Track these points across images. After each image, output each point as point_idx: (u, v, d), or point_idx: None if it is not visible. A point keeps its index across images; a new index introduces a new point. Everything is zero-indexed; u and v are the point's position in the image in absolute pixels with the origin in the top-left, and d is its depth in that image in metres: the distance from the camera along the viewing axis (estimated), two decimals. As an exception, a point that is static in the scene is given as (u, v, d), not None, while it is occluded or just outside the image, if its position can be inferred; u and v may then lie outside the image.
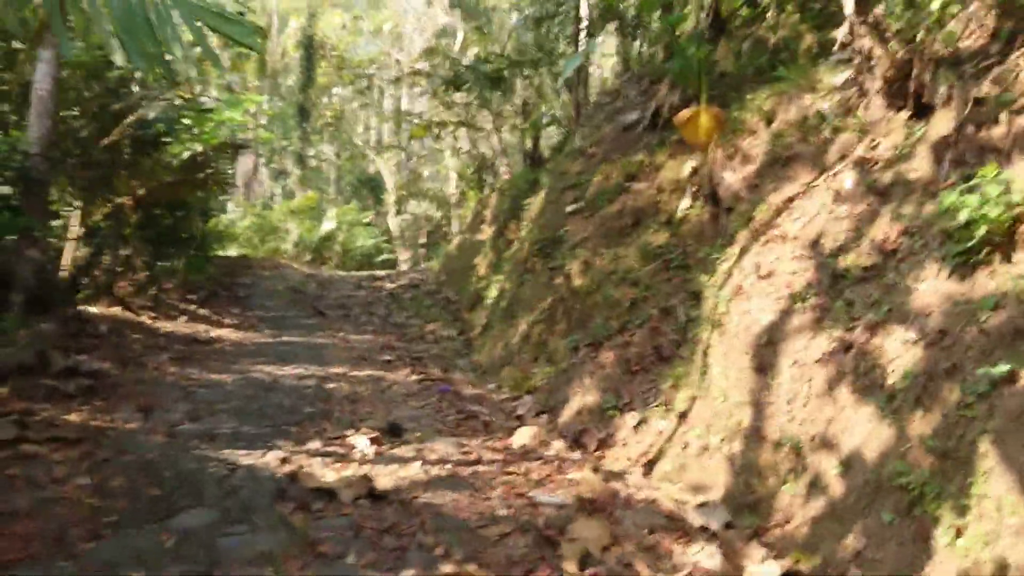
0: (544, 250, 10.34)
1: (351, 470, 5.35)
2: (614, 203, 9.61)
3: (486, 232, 17.81)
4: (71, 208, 11.19)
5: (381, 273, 21.90)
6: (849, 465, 4.62)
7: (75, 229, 10.97)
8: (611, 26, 14.45)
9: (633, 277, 8.58)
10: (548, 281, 9.74)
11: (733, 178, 7.82)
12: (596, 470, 5.68)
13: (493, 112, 18.35)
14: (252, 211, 25.44)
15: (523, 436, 6.51)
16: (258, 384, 7.56)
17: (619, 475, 5.99)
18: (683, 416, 6.37)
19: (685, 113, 8.66)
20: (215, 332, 11.40)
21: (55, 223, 11.49)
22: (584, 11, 13.39)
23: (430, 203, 28.73)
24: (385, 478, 5.21)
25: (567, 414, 7.48)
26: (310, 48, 26.88)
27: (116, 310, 10.79)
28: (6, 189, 7.95)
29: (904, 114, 6.07)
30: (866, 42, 6.07)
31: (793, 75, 8.06)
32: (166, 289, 14.35)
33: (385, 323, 14.29)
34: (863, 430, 4.64)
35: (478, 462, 5.81)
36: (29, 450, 4.92)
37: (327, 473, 5.20)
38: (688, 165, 9.07)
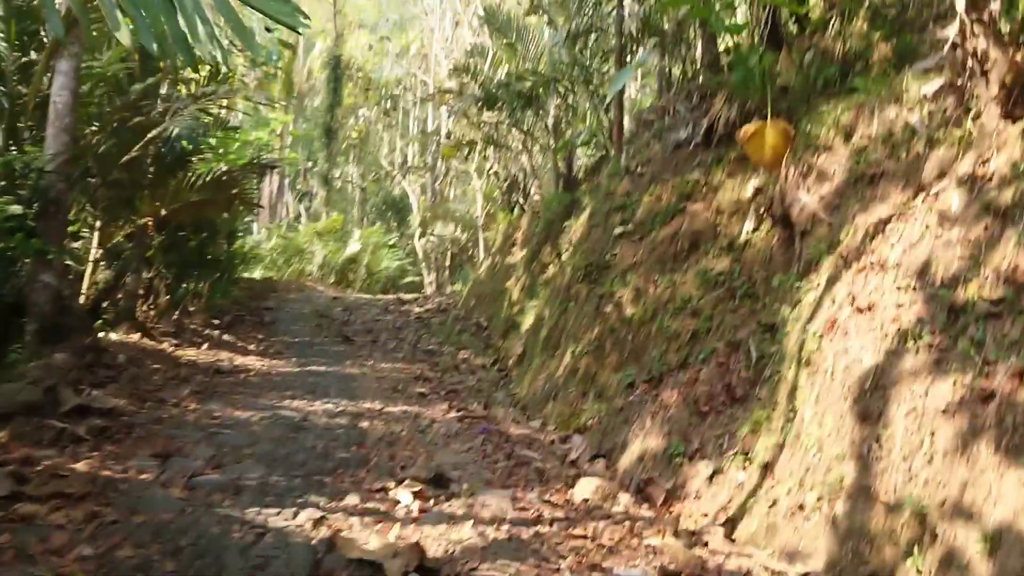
0: (590, 276, 9.58)
1: (395, 532, 4.59)
2: (667, 226, 8.84)
3: (518, 255, 17.09)
4: (91, 229, 10.58)
5: (408, 296, 21.23)
6: (997, 542, 3.80)
7: (95, 251, 10.34)
8: (650, 42, 13.74)
9: (693, 307, 7.80)
10: (595, 309, 8.97)
11: (809, 198, 7.04)
12: (677, 534, 4.87)
13: (524, 132, 17.67)
14: (277, 233, 24.90)
15: (585, 489, 5.72)
16: (287, 423, 6.82)
17: (697, 536, 5.20)
18: (767, 468, 5.56)
19: (748, 128, 7.92)
20: (239, 360, 10.71)
21: (74, 245, 10.89)
22: (625, 26, 12.68)
23: (456, 225, 28.06)
24: (435, 544, 4.44)
25: (627, 460, 6.68)
26: (337, 69, 26.41)
27: (136, 337, 10.13)
28: (19, 209, 7.29)
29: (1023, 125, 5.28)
30: (980, 43, 5.29)
31: (872, 86, 7.28)
32: (189, 313, 13.73)
33: (415, 350, 13.56)
34: (1015, 499, 3.83)
35: (538, 521, 5.03)
36: (26, 510, 4.19)
37: (369, 537, 4.43)
38: (750, 185, 8.30)
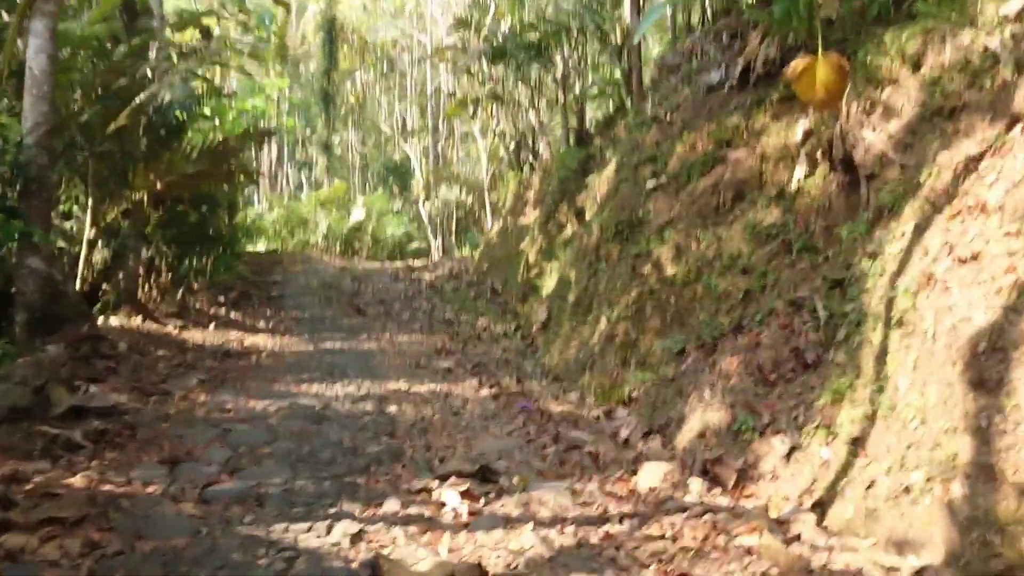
0: (621, 234, 8.81)
1: (446, 543, 3.90)
2: (706, 176, 8.05)
3: (531, 216, 16.29)
4: (83, 207, 9.81)
5: (417, 263, 20.47)
6: None
7: (89, 231, 9.58)
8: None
9: (743, 263, 7.07)
10: (631, 270, 8.22)
11: (875, 137, 6.25)
12: (772, 530, 4.17)
13: (532, 86, 16.77)
14: (279, 203, 24.06)
15: (650, 475, 5.03)
16: (307, 413, 6.12)
17: (785, 525, 4.51)
18: (856, 443, 4.85)
19: (797, 65, 7.03)
20: (249, 340, 10.00)
21: (66, 225, 10.13)
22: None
23: (461, 188, 27.18)
24: (495, 556, 3.75)
25: (686, 437, 5.98)
26: (331, 31, 25.33)
27: (138, 321, 9.41)
28: (-3, 188, 6.55)
29: None
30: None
31: (939, 10, 6.44)
32: (194, 292, 13.00)
33: (431, 320, 12.85)
34: None
35: (605, 519, 4.34)
36: (13, 542, 3.49)
37: (416, 553, 3.74)
38: (799, 127, 7.50)
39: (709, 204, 7.83)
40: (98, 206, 9.56)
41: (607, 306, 8.40)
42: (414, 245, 27.65)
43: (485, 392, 7.26)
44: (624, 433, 6.25)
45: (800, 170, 7.27)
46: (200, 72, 10.86)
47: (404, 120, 31.50)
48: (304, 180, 30.11)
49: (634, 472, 5.17)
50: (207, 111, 14.06)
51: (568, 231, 12.99)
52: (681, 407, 6.27)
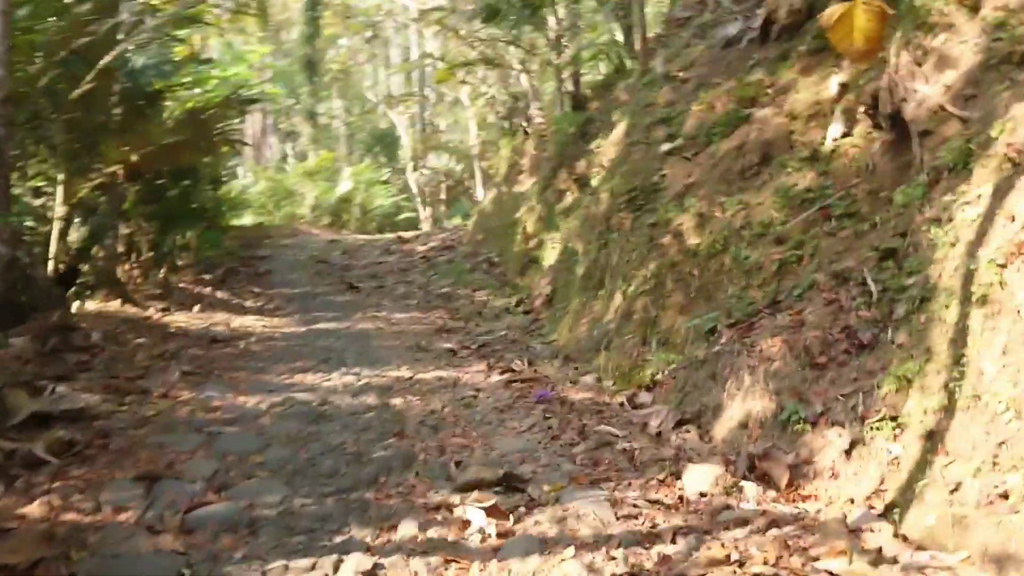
0: (634, 202, 8.09)
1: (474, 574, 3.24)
2: (728, 138, 7.34)
3: (526, 183, 15.53)
4: (52, 182, 9.00)
5: (408, 235, 19.68)
6: None
7: (60, 208, 8.77)
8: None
9: (775, 232, 6.38)
10: (649, 241, 7.51)
11: (929, 90, 5.54)
12: (862, 551, 3.53)
13: (525, 48, 15.89)
14: (265, 175, 23.15)
15: (697, 478, 4.37)
16: (303, 411, 5.42)
17: (855, 533, 3.87)
18: (931, 438, 4.20)
19: (832, 12, 6.24)
20: (237, 322, 9.27)
21: (36, 203, 9.32)
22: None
23: (450, 156, 26.31)
24: (537, 595, 3.08)
25: (725, 427, 5.33)
26: (313, -5, 24.23)
27: (117, 304, 8.65)
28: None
29: None
30: None
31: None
32: (178, 270, 12.24)
33: (428, 294, 12.14)
34: None
35: (656, 536, 3.69)
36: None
37: (443, 593, 3.07)
38: (833, 81, 6.79)
39: (733, 168, 7.12)
40: (70, 180, 8.74)
41: (622, 280, 7.71)
42: (403, 216, 26.82)
43: (496, 378, 6.58)
44: (655, 423, 5.59)
45: (836, 129, 6.56)
46: (177, 35, 9.97)
47: (389, 88, 30.45)
48: (289, 151, 29.12)
49: (677, 474, 4.50)
50: (187, 79, 13.18)
51: (568, 199, 12.26)
52: (717, 393, 5.60)
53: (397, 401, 5.76)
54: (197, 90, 14.38)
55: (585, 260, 8.92)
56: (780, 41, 7.64)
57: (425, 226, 24.85)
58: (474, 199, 24.11)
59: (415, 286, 12.91)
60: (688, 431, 5.43)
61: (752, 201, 6.74)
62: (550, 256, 11.54)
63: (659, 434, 5.36)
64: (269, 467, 4.31)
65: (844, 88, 6.65)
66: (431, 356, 7.56)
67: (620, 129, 9.23)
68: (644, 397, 6.30)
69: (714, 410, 5.53)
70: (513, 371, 6.84)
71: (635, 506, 4.05)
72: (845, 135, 6.48)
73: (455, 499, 3.97)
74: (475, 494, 3.98)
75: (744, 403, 5.32)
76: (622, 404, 6.07)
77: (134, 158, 9.05)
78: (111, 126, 9.07)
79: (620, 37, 13.27)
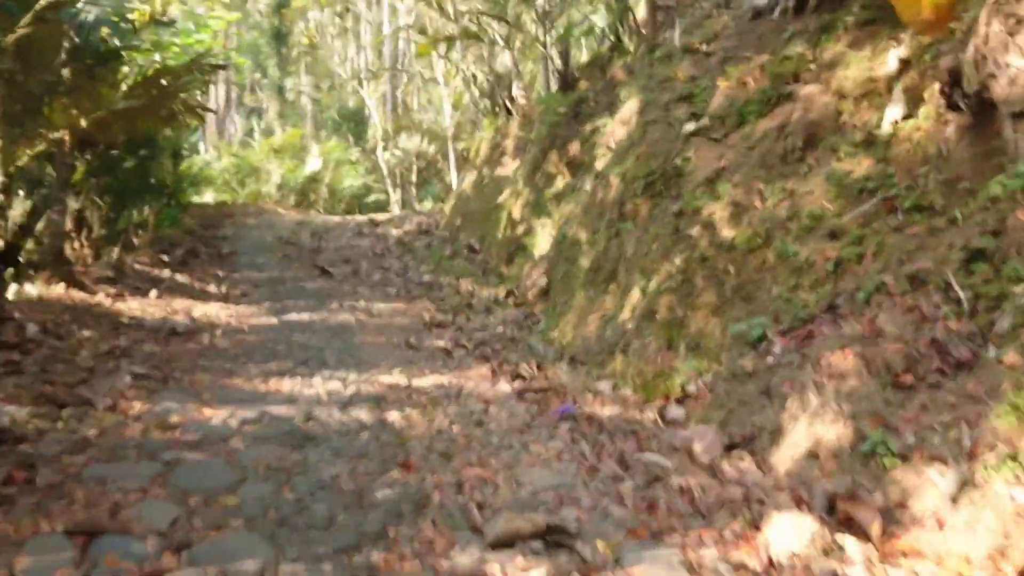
0: (652, 187, 7.18)
1: None
2: (766, 117, 6.46)
3: (510, 166, 14.55)
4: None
5: (380, 217, 18.57)
6: None
7: (-2, 180, 7.57)
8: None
9: (829, 225, 5.50)
10: (674, 232, 6.60)
11: (1028, 64, 4.68)
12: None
13: (510, 22, 14.87)
14: (229, 151, 21.80)
15: (784, 533, 3.47)
16: (283, 431, 4.40)
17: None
18: (1074, 485, 3.36)
19: (899, -25, 5.48)
20: (199, 310, 8.18)
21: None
22: None
23: (422, 137, 25.12)
24: None
25: (787, 455, 4.44)
26: (282, -37, 22.85)
27: (62, 289, 7.51)
28: None
29: None
30: None
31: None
32: (134, 248, 11.07)
33: (408, 282, 11.13)
34: None
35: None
36: None
37: None
38: (892, 56, 5.92)
39: (773, 151, 6.23)
40: (8, 147, 7.53)
41: (640, 274, 6.79)
42: (373, 197, 25.65)
43: (505, 387, 5.63)
44: (700, 447, 4.69)
45: (895, 110, 5.69)
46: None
47: (359, 65, 29.09)
48: (255, 127, 27.67)
49: (755, 523, 3.60)
50: (147, 45, 11.98)
51: (560, 183, 11.33)
52: (773, 414, 4.72)
53: (395, 417, 4.77)
54: (158, 56, 13.17)
55: (591, 250, 7.98)
56: (820, 11, 6.76)
57: (395, 208, 23.74)
58: (447, 181, 23.03)
59: (392, 272, 11.88)
60: (742, 459, 4.54)
61: (798, 189, 5.86)
62: (542, 244, 10.61)
63: (712, 467, 4.45)
64: (245, 513, 3.30)
65: (905, 64, 5.79)
66: (423, 356, 6.57)
67: (630, 107, 8.28)
68: (675, 411, 5.41)
69: (771, 434, 4.64)
70: (522, 377, 5.89)
71: (716, 572, 3.14)
72: (907, 117, 5.62)
73: (490, 560, 3.02)
74: (516, 558, 3.03)
75: (811, 428, 4.44)
76: (656, 422, 5.16)
77: (83, 123, 7.88)
78: (58, 87, 7.88)
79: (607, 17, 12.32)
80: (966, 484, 3.73)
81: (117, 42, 9.11)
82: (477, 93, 18.20)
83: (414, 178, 26.67)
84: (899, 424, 4.14)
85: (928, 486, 3.85)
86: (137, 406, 4.58)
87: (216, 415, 4.55)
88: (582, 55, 16.73)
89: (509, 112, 16.06)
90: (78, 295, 7.48)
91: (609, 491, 3.86)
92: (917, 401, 4.19)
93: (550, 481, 3.90)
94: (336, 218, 19.19)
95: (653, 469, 4.15)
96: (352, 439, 4.31)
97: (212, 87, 22.24)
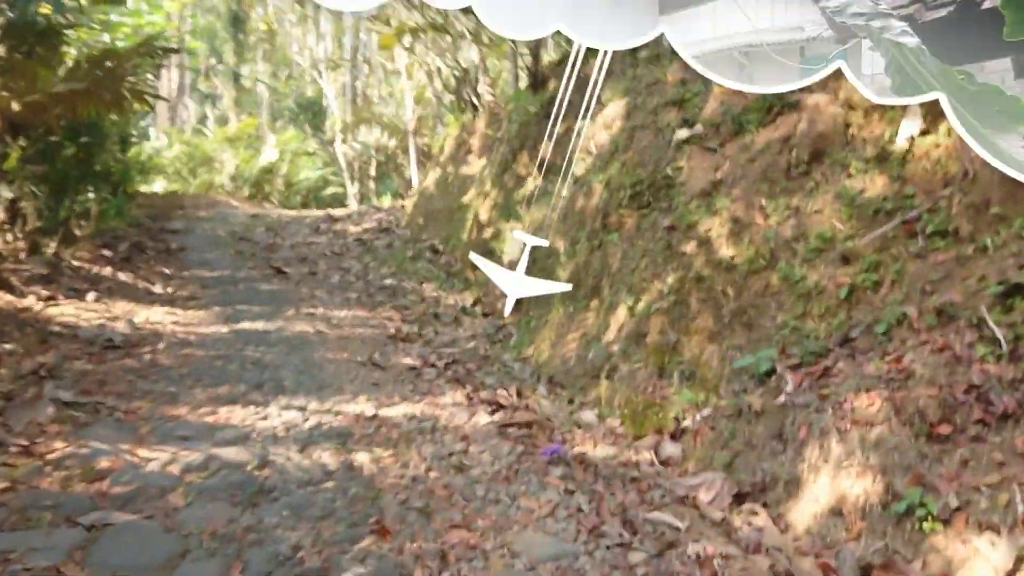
0: (640, 198, 6.62)
1: None
2: (768, 127, 5.93)
3: (476, 165, 13.89)
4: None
5: (338, 213, 17.76)
6: None
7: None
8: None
9: (842, 248, 5.00)
10: (666, 247, 6.05)
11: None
12: None
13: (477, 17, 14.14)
14: (180, 138, 20.73)
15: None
16: (233, 482, 3.72)
17: None
18: None
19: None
20: (141, 315, 7.40)
21: None
22: None
23: (382, 130, 24.25)
24: None
25: (807, 511, 3.92)
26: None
27: (-16, 290, 6.67)
28: None
29: None
30: None
31: None
32: (75, 241, 10.16)
33: (369, 286, 10.43)
34: None
35: None
36: None
37: None
38: (907, 66, 5.43)
39: (776, 164, 5.72)
40: (-74, 132, 6.68)
41: (627, 292, 6.23)
42: (330, 190, 24.73)
43: (484, 418, 5.00)
44: (706, 497, 4.15)
45: (912, 124, 5.22)
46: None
47: (319, 53, 28.07)
48: (209, 114, 26.49)
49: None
50: (95, 24, 11.07)
51: (530, 185, 10.73)
52: (789, 461, 4.19)
53: (363, 459, 4.12)
54: (107, 37, 12.22)
55: (570, 262, 7.40)
56: (825, 16, 6.26)
57: (353, 203, 22.89)
58: (407, 177, 22.25)
59: (352, 274, 11.15)
60: (755, 512, 4.00)
61: (804, 207, 5.35)
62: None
63: (726, 522, 3.90)
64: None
65: (923, 75, 5.31)
66: (391, 377, 5.91)
67: (614, 110, 7.71)
68: (671, 448, 4.87)
69: (787, 485, 4.11)
70: (501, 406, 5.28)
71: None
72: (924, 132, 5.15)
73: None
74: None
75: (835, 480, 3.92)
76: (652, 463, 4.59)
77: (15, 106, 7.04)
78: (-13, 65, 7.04)
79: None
80: (1023, 560, 3.24)
81: (59, 20, 8.29)
82: (441, 87, 17.49)
83: (373, 172, 25.82)
84: (938, 482, 3.64)
85: (976, 558, 3.35)
86: (59, 445, 3.85)
87: (154, 458, 3.84)
88: (550, 52, 16.16)
89: (475, 108, 15.39)
90: (4, 298, 6.65)
91: (618, 563, 3.28)
92: (957, 456, 3.70)
93: (549, 550, 3.30)
94: (292, 212, 18.34)
95: (663, 531, 3.58)
96: (315, 492, 3.65)
97: (164, 71, 21.11)
